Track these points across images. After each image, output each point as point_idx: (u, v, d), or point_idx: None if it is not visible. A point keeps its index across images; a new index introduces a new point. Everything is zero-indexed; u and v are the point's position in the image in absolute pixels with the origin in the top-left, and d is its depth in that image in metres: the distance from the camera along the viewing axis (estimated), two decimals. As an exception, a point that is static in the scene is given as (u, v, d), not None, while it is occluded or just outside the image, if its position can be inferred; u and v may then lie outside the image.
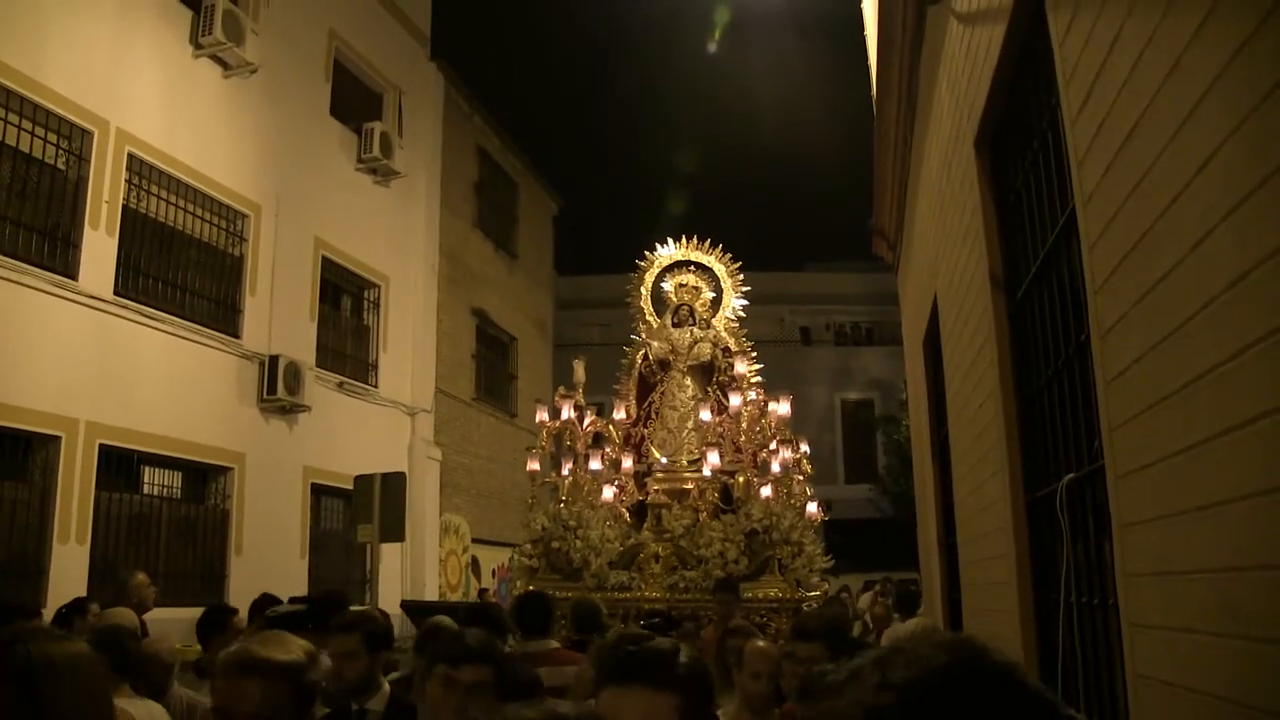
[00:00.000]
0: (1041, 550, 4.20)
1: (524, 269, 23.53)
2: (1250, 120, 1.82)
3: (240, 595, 12.08)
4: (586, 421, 10.74)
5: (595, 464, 10.26)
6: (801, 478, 10.69)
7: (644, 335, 11.78)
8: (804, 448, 11.07)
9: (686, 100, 56.44)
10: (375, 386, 16.84)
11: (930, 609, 9.36)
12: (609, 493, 10.15)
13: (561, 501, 10.16)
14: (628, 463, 10.62)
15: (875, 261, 14.45)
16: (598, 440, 10.83)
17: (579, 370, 11.01)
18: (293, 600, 6.55)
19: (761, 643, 4.46)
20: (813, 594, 9.51)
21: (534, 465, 10.56)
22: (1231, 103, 1.89)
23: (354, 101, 16.97)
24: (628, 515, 10.40)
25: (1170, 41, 2.15)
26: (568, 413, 10.45)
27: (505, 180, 23.02)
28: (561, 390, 10.81)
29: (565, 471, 10.41)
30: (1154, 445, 2.46)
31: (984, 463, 5.10)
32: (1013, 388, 4.41)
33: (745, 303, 11.83)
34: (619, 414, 11.12)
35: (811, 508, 10.68)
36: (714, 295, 11.79)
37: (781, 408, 10.31)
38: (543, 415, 10.68)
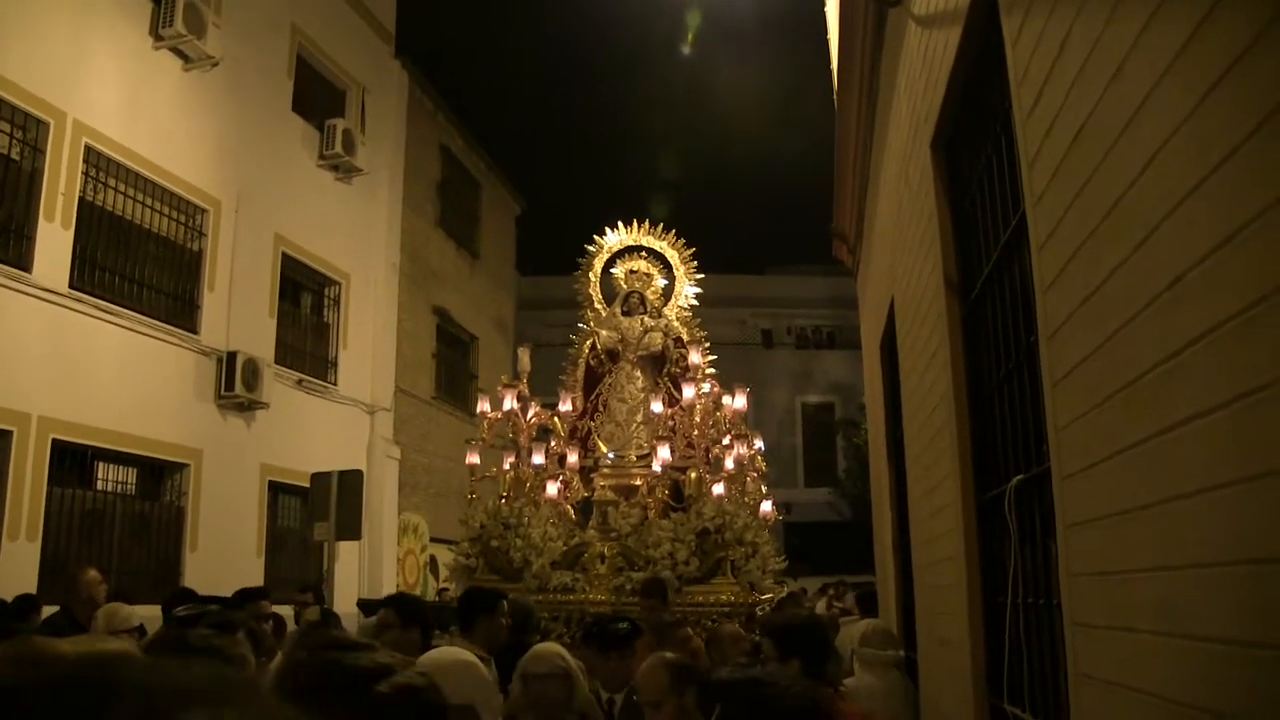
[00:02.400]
0: (992, 552, 4.23)
1: (486, 269, 23.48)
2: (1189, 122, 1.84)
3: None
4: (530, 413, 10.32)
5: (538, 458, 9.80)
6: (756, 475, 10.37)
7: (592, 324, 11.34)
8: (759, 444, 10.79)
9: (651, 103, 56.48)
10: (334, 384, 16.75)
11: (885, 612, 9.40)
12: (553, 489, 9.76)
13: (502, 497, 9.68)
14: (573, 457, 10.09)
15: (837, 265, 14.51)
16: (544, 434, 10.40)
17: (524, 359, 10.56)
18: (197, 600, 6.17)
19: (669, 655, 4.19)
20: (766, 597, 9.10)
21: (474, 459, 10.06)
22: (1171, 105, 1.91)
23: (317, 97, 16.87)
24: (573, 512, 9.99)
25: (1114, 45, 2.17)
26: (510, 403, 10.01)
27: (468, 179, 22.96)
28: (504, 380, 10.34)
29: (506, 466, 9.92)
30: (1097, 446, 2.48)
31: (937, 465, 5.12)
32: (965, 390, 4.44)
33: (699, 290, 11.37)
34: (565, 406, 10.62)
35: (766, 507, 10.36)
36: (666, 283, 11.35)
37: (737, 401, 9.92)
38: (484, 406, 10.25)
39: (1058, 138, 2.64)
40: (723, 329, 26.78)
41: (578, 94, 59.58)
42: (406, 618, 4.96)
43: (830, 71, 9.72)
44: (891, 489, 8.50)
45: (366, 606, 10.65)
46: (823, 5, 8.97)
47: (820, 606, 15.91)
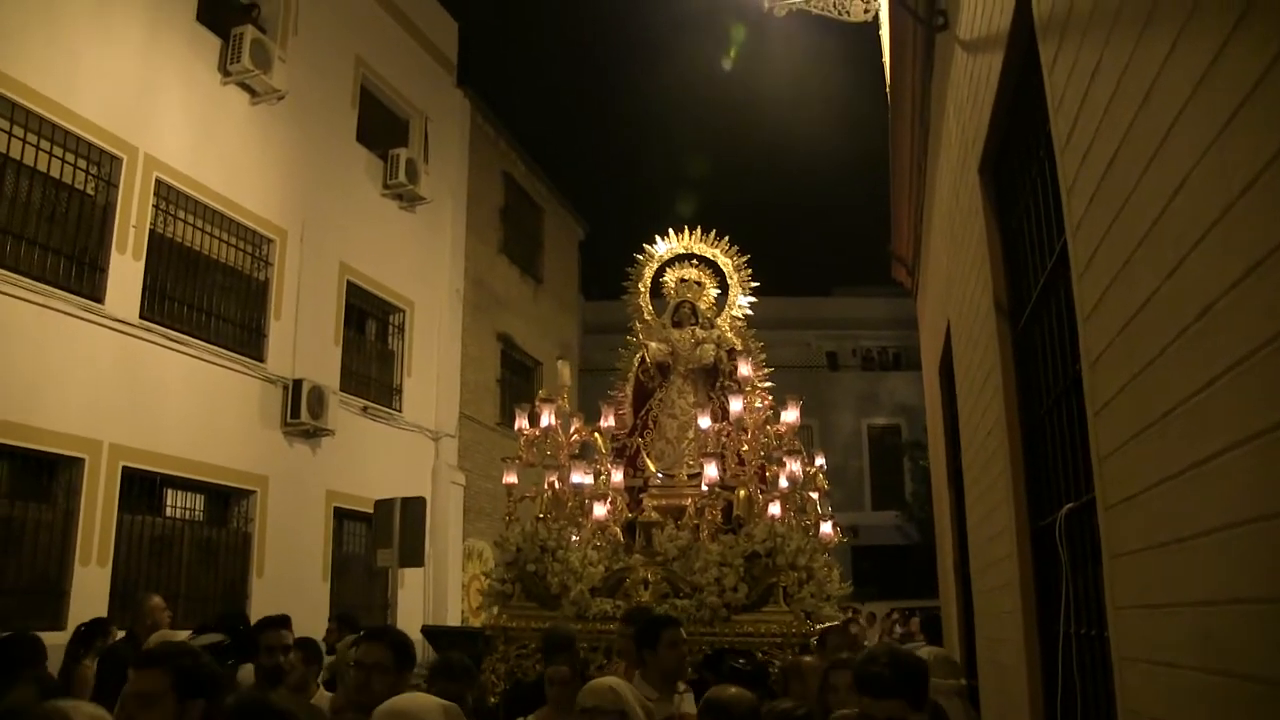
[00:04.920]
0: (1046, 580, 4.16)
1: (549, 294, 23.59)
2: (1214, 148, 1.81)
3: (262, 617, 12.13)
4: (571, 430, 9.70)
5: (577, 477, 9.13)
6: (816, 495, 9.79)
7: (641, 336, 10.65)
8: (819, 461, 10.19)
9: (714, 125, 56.66)
10: (399, 411, 16.91)
11: (948, 637, 9.28)
12: (600, 510, 9.10)
13: (539, 517, 9.03)
14: (617, 476, 9.42)
15: (902, 286, 14.42)
16: (586, 451, 9.79)
17: (564, 373, 10.16)
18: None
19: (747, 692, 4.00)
20: (828, 625, 8.38)
21: (511, 478, 9.32)
22: (1197, 131, 1.88)
23: (380, 127, 17.13)
24: (620, 535, 9.28)
25: (1142, 70, 2.15)
26: (549, 419, 9.38)
27: (531, 205, 23.12)
28: (542, 394, 9.80)
29: (545, 485, 9.24)
30: (1138, 476, 2.44)
31: (992, 490, 5.06)
32: (1017, 416, 4.39)
33: (753, 299, 10.62)
34: (607, 421, 9.94)
35: (826, 528, 9.80)
36: (719, 293, 10.61)
37: (789, 414, 9.20)
38: (522, 422, 9.54)
39: (1093, 164, 2.61)
40: (787, 351, 26.67)
41: (641, 119, 59.91)
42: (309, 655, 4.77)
43: (886, 93, 9.69)
44: (952, 513, 8.40)
45: (431, 634, 10.72)
46: (877, 27, 8.95)
47: (874, 635, 15.61)
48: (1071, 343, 3.28)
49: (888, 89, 9.17)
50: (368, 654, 3.83)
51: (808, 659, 5.81)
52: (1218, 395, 1.89)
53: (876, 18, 7.70)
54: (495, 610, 8.92)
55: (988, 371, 4.91)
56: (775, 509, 8.40)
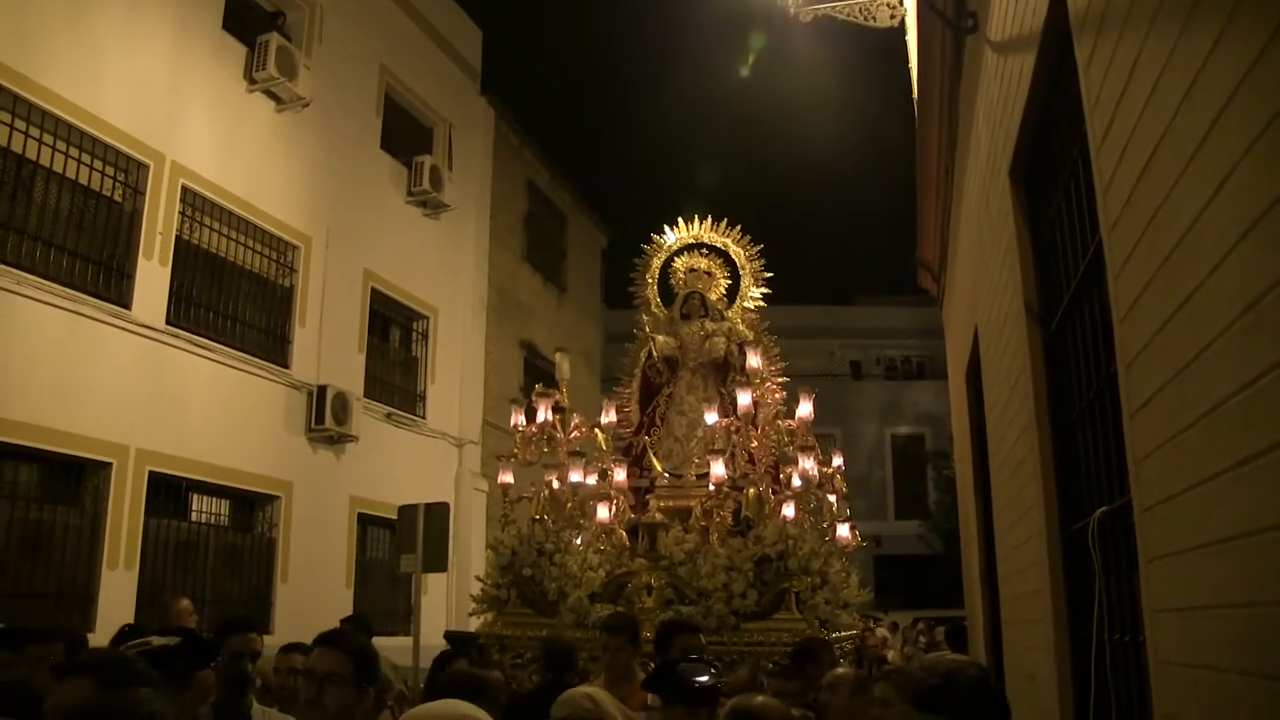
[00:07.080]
0: (1079, 586, 4.12)
1: (572, 302, 23.59)
2: (1260, 142, 1.78)
3: (286, 623, 12.17)
4: (571, 426, 9.23)
5: (575, 475, 8.62)
6: (834, 498, 9.42)
7: (648, 329, 10.21)
8: (837, 461, 9.81)
9: (737, 133, 56.64)
10: (423, 417, 16.93)
11: (974, 647, 9.21)
12: (604, 512, 8.60)
13: (536, 519, 8.52)
14: (620, 475, 8.88)
15: (926, 295, 14.35)
16: (589, 449, 9.29)
17: (563, 365, 9.65)
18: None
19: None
20: (845, 634, 8.06)
21: (506, 477, 8.91)
22: (1243, 124, 1.85)
23: (405, 135, 17.18)
24: (625, 537, 8.66)
25: (1186, 63, 2.12)
26: (545, 414, 8.92)
27: (554, 213, 23.13)
28: (539, 389, 9.33)
29: (544, 484, 8.82)
30: (1177, 478, 2.41)
31: (1021, 496, 5.02)
32: (1048, 420, 4.35)
33: (767, 291, 10.16)
34: (608, 417, 9.39)
35: (843, 531, 9.44)
36: (730, 283, 10.22)
37: (803, 408, 8.66)
38: (518, 418, 9.13)
39: (1130, 162, 2.58)
40: (810, 360, 26.64)
41: (663, 127, 59.99)
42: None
43: (912, 99, 9.65)
44: (978, 521, 8.33)
45: (453, 638, 10.70)
46: (903, 33, 8.91)
47: (895, 653, 15.39)
48: (1105, 344, 3.25)
49: (914, 94, 9.13)
50: (321, 661, 3.06)
51: (840, 671, 5.51)
52: (1261, 395, 1.86)
53: (903, 23, 7.66)
54: (487, 617, 8.54)
55: (1017, 375, 4.87)
56: (788, 510, 7.97)
